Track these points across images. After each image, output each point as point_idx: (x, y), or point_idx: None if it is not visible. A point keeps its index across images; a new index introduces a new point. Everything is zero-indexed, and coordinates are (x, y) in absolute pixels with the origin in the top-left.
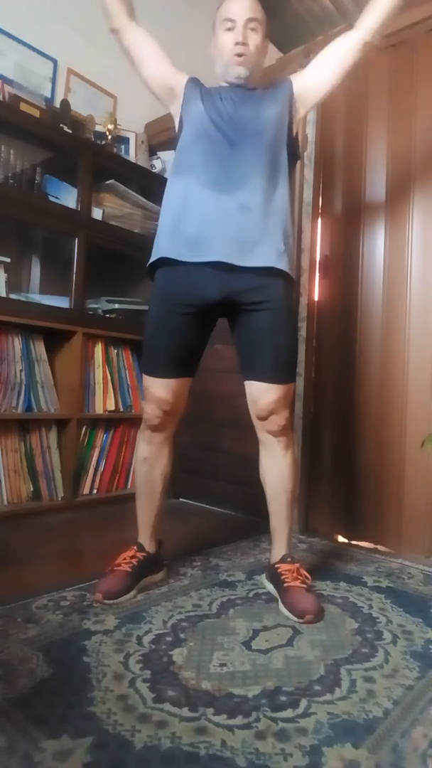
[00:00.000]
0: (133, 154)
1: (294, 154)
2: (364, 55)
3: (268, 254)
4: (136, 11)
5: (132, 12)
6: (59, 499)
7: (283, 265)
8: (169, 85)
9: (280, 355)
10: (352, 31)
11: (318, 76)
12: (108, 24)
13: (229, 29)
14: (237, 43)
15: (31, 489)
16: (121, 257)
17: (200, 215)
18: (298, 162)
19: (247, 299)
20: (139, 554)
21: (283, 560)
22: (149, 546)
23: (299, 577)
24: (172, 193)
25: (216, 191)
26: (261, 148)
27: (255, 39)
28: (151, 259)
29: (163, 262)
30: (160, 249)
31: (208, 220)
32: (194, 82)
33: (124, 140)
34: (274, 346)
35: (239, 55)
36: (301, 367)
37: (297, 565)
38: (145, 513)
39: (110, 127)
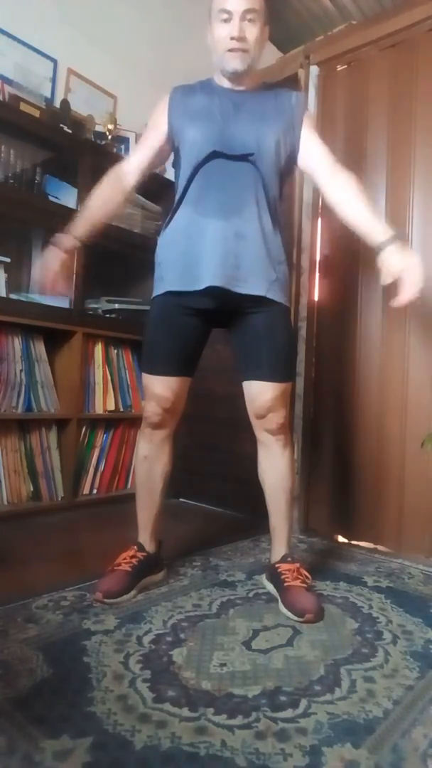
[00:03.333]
0: None
1: (289, 174)
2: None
3: (259, 283)
4: (136, 12)
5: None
6: (59, 499)
7: (273, 294)
8: (164, 140)
9: (277, 354)
10: (334, 188)
11: (311, 156)
12: (126, 203)
13: (225, 21)
14: (233, 38)
15: (31, 489)
16: (121, 257)
17: (201, 242)
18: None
19: (245, 305)
20: (139, 554)
21: (283, 560)
22: (149, 546)
23: (299, 576)
24: (174, 225)
25: (214, 218)
26: (256, 174)
27: (253, 31)
28: (157, 293)
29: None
30: (166, 282)
31: (208, 246)
32: (176, 102)
33: (124, 140)
34: (272, 346)
35: (235, 50)
36: (301, 367)
37: (297, 564)
38: (146, 512)
39: (110, 127)
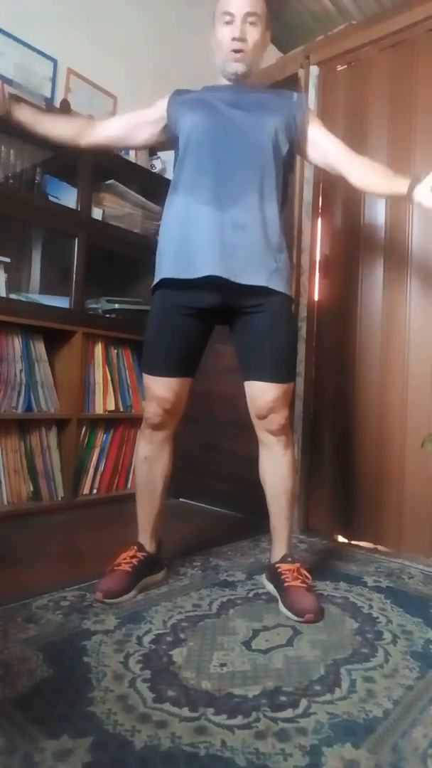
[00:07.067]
0: (133, 154)
1: (290, 167)
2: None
3: (260, 273)
4: (137, 12)
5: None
6: (59, 499)
7: (274, 284)
8: (152, 120)
9: (279, 355)
10: (355, 168)
11: (328, 151)
12: (71, 145)
13: (227, 23)
14: (234, 39)
15: (31, 489)
16: (121, 257)
17: (198, 231)
18: (298, 162)
19: (247, 303)
20: (139, 554)
21: (283, 560)
22: (149, 546)
23: (299, 576)
24: (171, 212)
25: (212, 207)
26: (256, 162)
27: (254, 34)
28: (155, 281)
29: (165, 282)
30: (163, 270)
31: (206, 236)
32: (177, 97)
33: None
34: (273, 346)
35: (237, 51)
36: (301, 367)
37: (297, 564)
38: (146, 513)
39: None
